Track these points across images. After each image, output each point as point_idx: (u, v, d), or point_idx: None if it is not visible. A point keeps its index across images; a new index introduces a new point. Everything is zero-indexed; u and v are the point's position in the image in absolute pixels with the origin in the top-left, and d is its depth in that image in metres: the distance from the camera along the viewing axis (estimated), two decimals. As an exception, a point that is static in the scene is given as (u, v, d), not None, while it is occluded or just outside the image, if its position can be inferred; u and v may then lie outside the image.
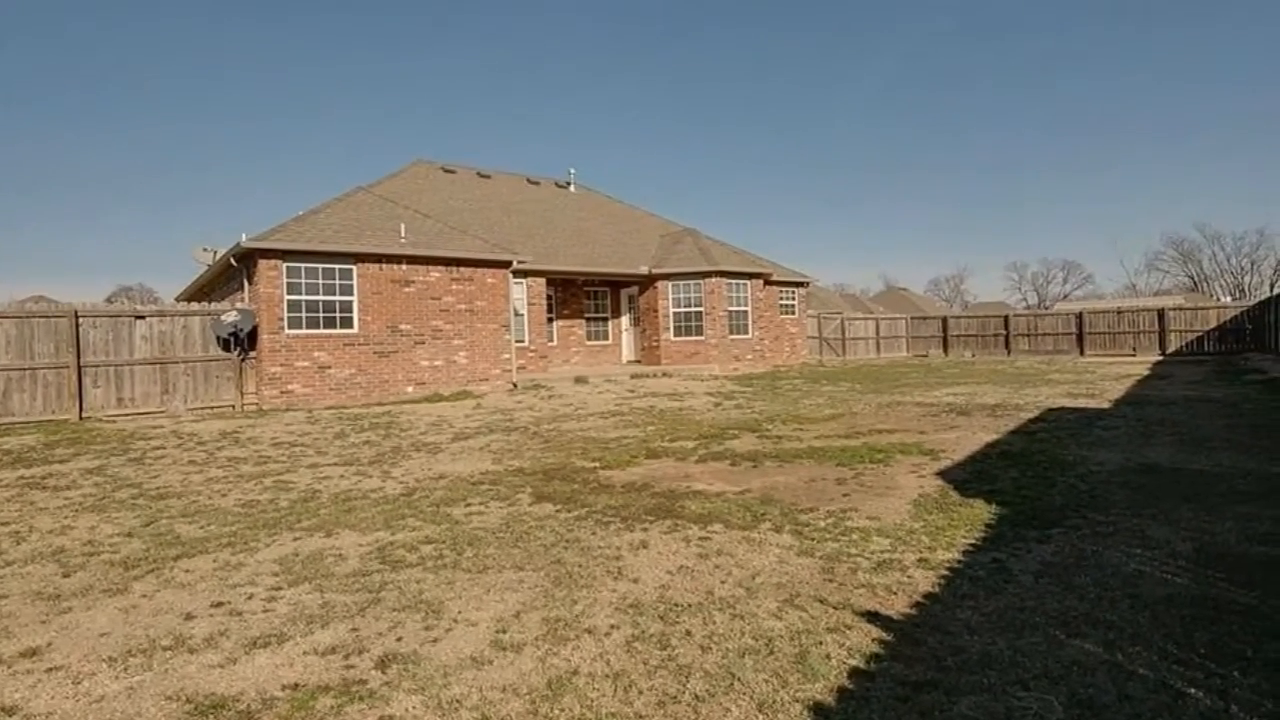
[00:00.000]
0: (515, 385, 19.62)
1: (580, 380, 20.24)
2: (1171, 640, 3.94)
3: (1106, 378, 20.21)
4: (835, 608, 4.54)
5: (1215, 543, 5.56)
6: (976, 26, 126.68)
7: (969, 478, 7.89)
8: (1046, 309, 69.95)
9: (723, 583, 5.04)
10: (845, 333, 35.68)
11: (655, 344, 24.78)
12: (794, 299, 29.87)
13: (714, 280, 24.27)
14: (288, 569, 5.68)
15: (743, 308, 25.38)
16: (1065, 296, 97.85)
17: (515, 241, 22.82)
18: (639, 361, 25.68)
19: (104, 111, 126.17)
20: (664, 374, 22.05)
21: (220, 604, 5.00)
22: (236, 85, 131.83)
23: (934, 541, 5.78)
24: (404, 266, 18.23)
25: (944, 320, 38.41)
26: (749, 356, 25.56)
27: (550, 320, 25.10)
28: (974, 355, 35.08)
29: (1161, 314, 31.91)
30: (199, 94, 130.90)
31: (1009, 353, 34.66)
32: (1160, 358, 29.68)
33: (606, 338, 26.83)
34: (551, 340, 25.12)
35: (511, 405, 16.51)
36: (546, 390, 18.84)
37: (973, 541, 5.77)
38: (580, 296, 25.98)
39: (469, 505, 7.39)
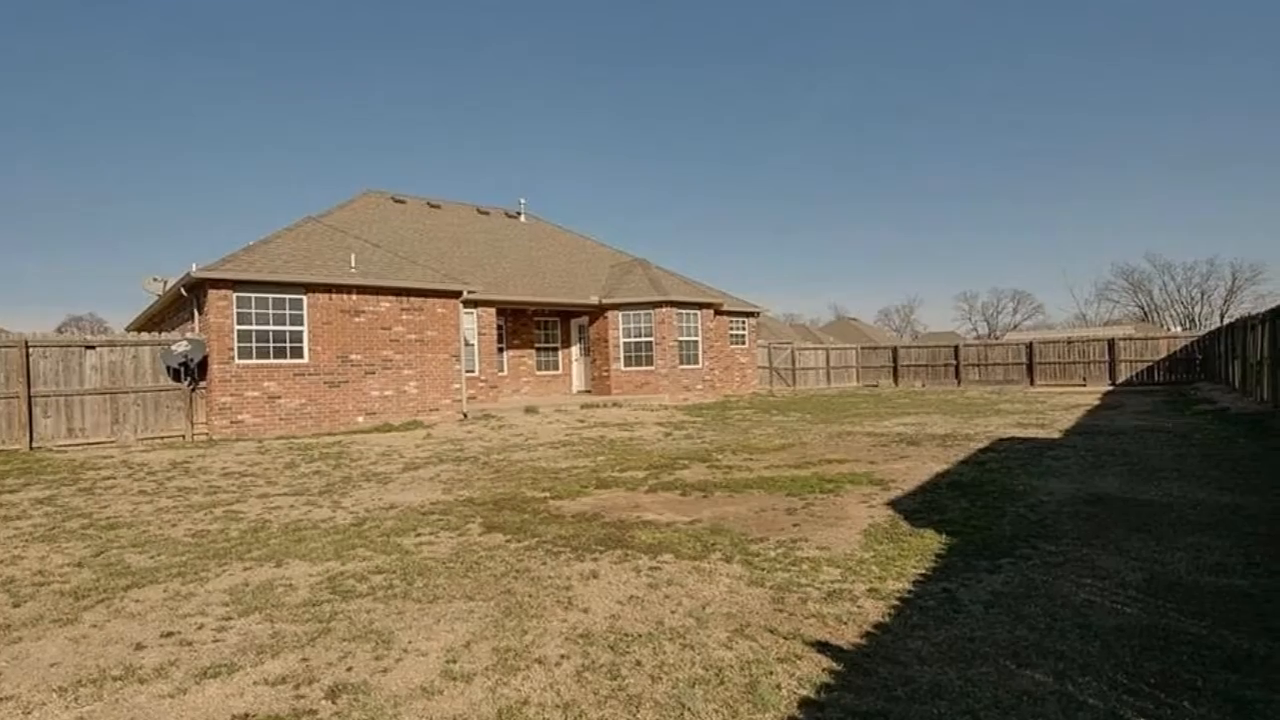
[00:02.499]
0: (465, 415, 19.71)
1: (530, 410, 20.38)
2: (1121, 670, 4.05)
3: (1057, 408, 20.58)
4: (785, 638, 4.62)
5: (1165, 573, 5.70)
6: (923, 58, 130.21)
7: (919, 508, 8.05)
8: (997, 339, 71.49)
9: (673, 613, 5.13)
10: (795, 363, 36.25)
11: (605, 374, 25.03)
12: (744, 329, 30.34)
13: (664, 310, 24.61)
14: (238, 599, 5.73)
15: (693, 338, 25.74)
16: (1015, 326, 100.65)
17: (466, 271, 23.03)
18: (589, 391, 25.88)
19: (54, 142, 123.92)
20: (614, 404, 22.31)
21: (170, 634, 5.03)
22: (187, 116, 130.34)
23: (884, 571, 5.90)
24: (354, 296, 18.29)
25: (894, 350, 39.00)
26: (699, 386, 25.87)
27: (501, 350, 25.23)
28: (924, 385, 35.90)
29: (1112, 344, 32.61)
30: (149, 124, 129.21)
31: (959, 383, 35.39)
32: (1111, 387, 30.43)
33: (557, 367, 26.94)
34: (502, 370, 25.22)
35: (462, 435, 16.59)
36: (497, 420, 18.95)
37: (923, 571, 5.89)
38: (530, 326, 26.10)
39: (419, 535, 7.48)
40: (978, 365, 35.64)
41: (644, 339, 24.83)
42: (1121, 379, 31.87)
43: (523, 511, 8.53)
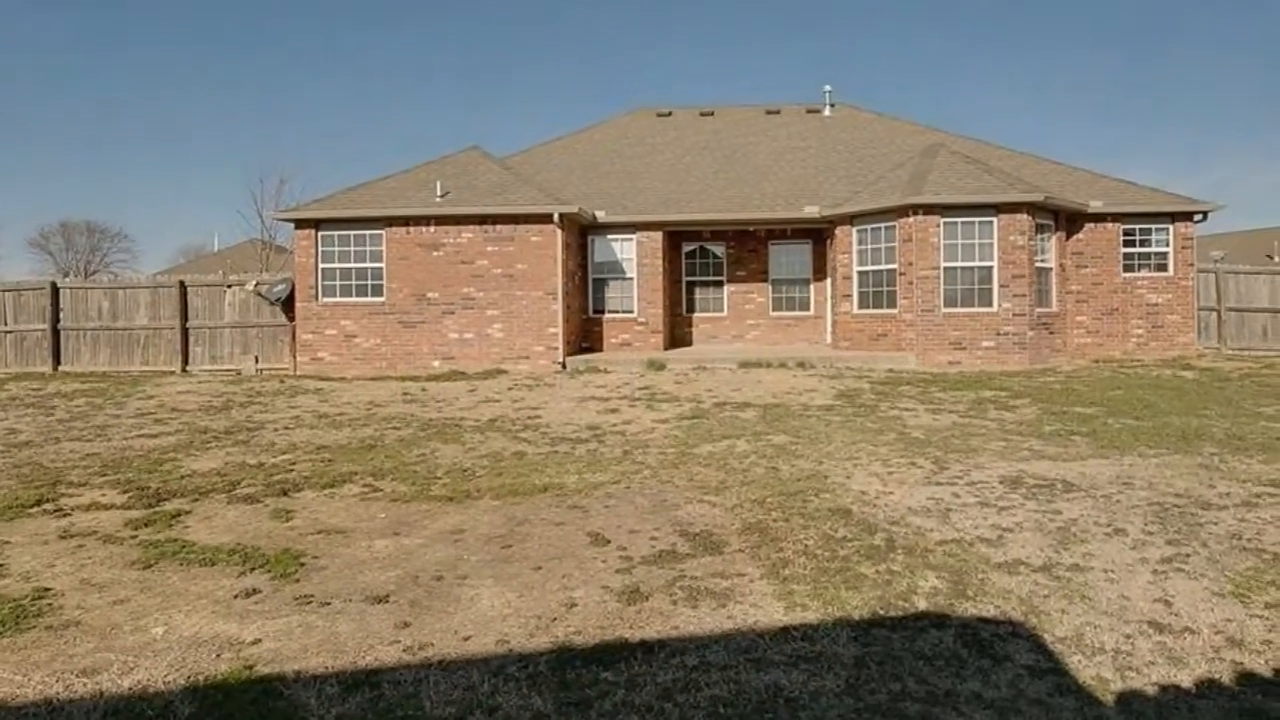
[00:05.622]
0: (563, 365, 18.21)
1: (659, 367, 17.60)
2: None
3: None
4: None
5: None
6: None
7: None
8: None
9: None
10: (1221, 298, 22.18)
11: (847, 318, 19.89)
12: (1165, 243, 20.15)
13: (912, 221, 18.17)
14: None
15: (985, 262, 18.16)
16: None
17: (680, 194, 21.32)
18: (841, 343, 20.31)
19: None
20: (805, 365, 17.68)
21: None
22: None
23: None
24: (433, 228, 18.56)
25: None
26: (987, 343, 18.22)
27: (720, 284, 22.23)
28: None
29: None
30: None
31: None
32: None
33: (806, 308, 22.03)
34: (721, 311, 22.20)
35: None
36: (584, 377, 17.12)
37: None
38: (761, 252, 22.29)
39: None
40: None
41: (885, 266, 18.85)
42: None
43: None
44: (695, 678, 3.92)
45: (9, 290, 20.94)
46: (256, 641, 4.41)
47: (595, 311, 20.85)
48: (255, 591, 5.12)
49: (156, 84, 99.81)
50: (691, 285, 22.50)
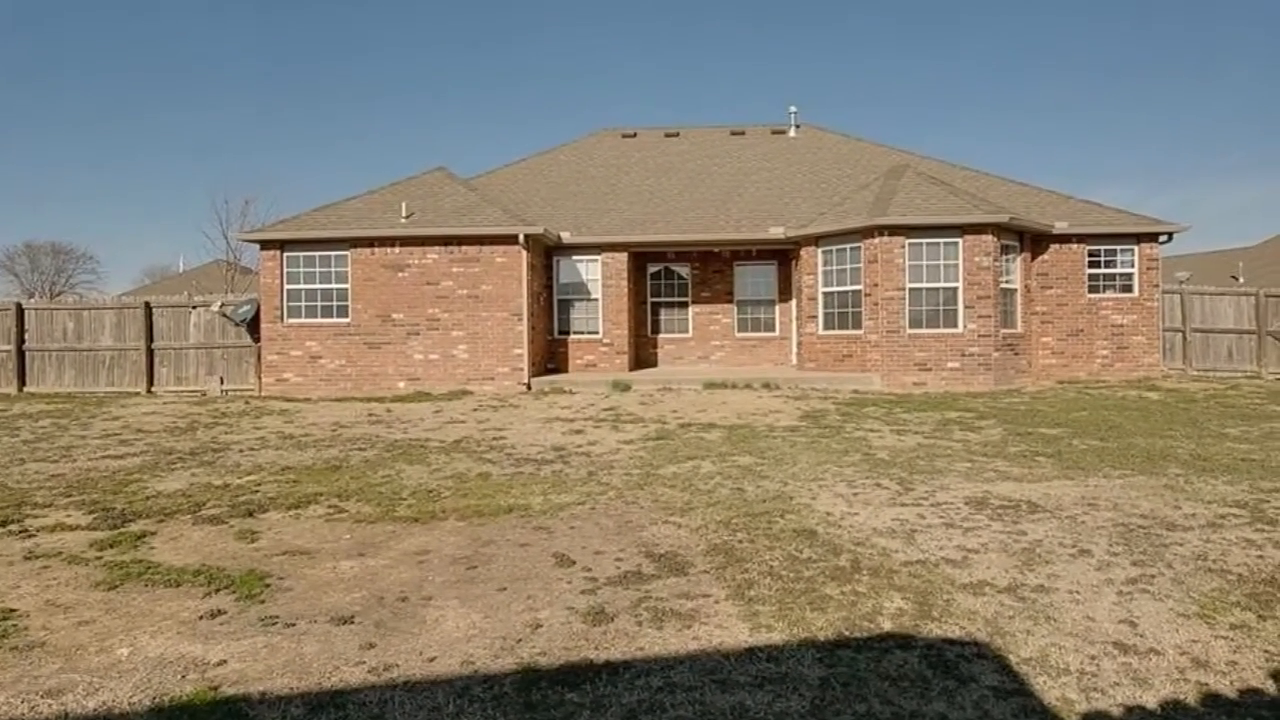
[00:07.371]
0: (528, 386, 18.28)
1: (624, 388, 17.74)
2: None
3: None
4: None
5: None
6: None
7: None
8: None
9: None
10: (1187, 319, 22.43)
11: (813, 340, 20.09)
12: (1131, 264, 20.51)
13: (879, 241, 18.38)
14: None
15: (950, 283, 18.39)
16: None
17: (647, 214, 21.55)
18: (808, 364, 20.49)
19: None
20: (771, 385, 17.92)
21: None
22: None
23: None
24: (398, 249, 18.63)
25: None
26: (953, 364, 18.43)
27: (684, 305, 22.48)
28: None
29: None
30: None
31: None
32: None
33: (771, 329, 22.31)
34: (686, 332, 22.45)
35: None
36: (565, 396, 17.25)
37: None
38: (727, 273, 22.57)
39: None
40: None
41: (850, 287, 19.03)
42: None
43: None
44: (660, 699, 3.96)
45: (-27, 312, 20.69)
46: (222, 662, 4.42)
47: (560, 332, 20.98)
48: (220, 612, 5.13)
49: (123, 104, 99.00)
50: (657, 306, 22.73)
